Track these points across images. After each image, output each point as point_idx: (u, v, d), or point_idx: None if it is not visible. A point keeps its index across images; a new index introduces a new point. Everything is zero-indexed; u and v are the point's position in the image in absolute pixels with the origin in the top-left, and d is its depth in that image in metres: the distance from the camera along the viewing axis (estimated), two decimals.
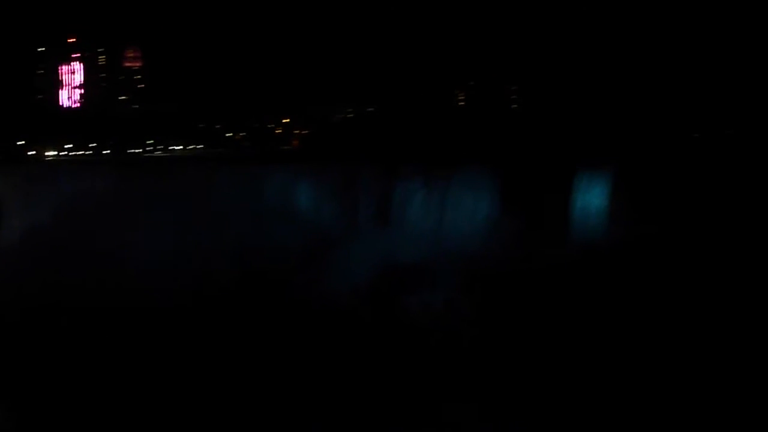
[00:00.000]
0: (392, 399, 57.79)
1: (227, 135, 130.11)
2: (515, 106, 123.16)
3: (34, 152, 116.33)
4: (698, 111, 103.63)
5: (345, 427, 55.21)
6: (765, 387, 54.55)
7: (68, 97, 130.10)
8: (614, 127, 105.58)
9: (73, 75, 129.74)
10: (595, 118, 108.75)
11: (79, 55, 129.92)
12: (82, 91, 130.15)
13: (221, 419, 56.30)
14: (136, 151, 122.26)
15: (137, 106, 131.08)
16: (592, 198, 79.24)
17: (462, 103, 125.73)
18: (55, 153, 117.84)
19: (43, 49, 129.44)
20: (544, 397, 57.11)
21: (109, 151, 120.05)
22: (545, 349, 64.42)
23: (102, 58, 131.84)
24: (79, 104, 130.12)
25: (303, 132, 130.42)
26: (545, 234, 79.48)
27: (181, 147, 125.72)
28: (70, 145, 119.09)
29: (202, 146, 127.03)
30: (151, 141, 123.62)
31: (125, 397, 59.56)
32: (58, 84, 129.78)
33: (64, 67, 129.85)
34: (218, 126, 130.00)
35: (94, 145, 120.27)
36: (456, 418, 54.15)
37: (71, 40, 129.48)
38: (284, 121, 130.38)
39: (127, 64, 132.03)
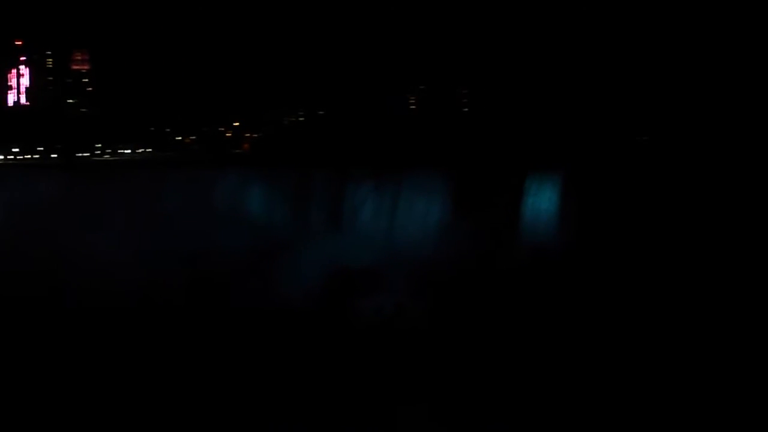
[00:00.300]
0: (344, 401, 57.71)
1: (177, 138, 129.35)
2: (466, 110, 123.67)
3: None
4: (646, 115, 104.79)
5: (299, 428, 55.13)
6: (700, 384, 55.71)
7: (15, 100, 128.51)
8: (564, 131, 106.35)
9: (21, 78, 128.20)
10: (546, 122, 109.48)
11: (26, 58, 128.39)
12: (30, 94, 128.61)
13: (168, 422, 55.90)
14: (85, 155, 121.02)
15: (85, 110, 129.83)
16: (542, 201, 79.75)
17: (413, 107, 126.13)
18: (2, 157, 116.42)
19: None
20: (496, 398, 57.31)
21: (57, 155, 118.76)
22: (496, 350, 64.66)
23: (50, 62, 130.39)
24: (26, 108, 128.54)
25: (253, 135, 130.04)
26: (496, 237, 79.88)
27: (130, 151, 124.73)
28: (18, 149, 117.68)
29: (151, 150, 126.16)
30: (100, 145, 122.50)
31: (63, 399, 59.08)
32: (5, 87, 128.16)
33: (11, 70, 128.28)
34: (168, 129, 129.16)
35: (42, 149, 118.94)
36: (408, 419, 54.20)
37: (18, 43, 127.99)
38: (234, 124, 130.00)
39: (76, 68, 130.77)
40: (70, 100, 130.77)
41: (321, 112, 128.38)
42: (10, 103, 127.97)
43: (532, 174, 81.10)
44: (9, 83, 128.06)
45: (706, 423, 51.65)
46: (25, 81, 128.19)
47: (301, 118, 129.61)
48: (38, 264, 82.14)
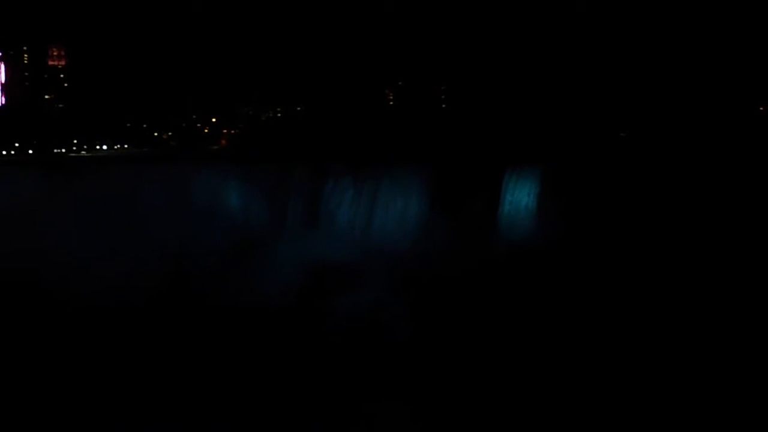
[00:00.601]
0: (324, 397, 57.61)
1: (154, 134, 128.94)
2: (444, 106, 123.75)
3: None
4: (625, 112, 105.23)
5: (277, 426, 55.04)
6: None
7: None
8: (543, 127, 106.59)
9: None
10: (525, 118, 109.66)
11: (1, 54, 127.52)
12: (6, 90, 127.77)
13: (142, 421, 55.63)
14: (62, 151, 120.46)
15: (62, 106, 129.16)
16: (521, 196, 79.87)
17: (391, 103, 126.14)
18: None
19: None
20: (473, 395, 57.32)
21: (33, 152, 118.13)
22: (476, 346, 64.70)
23: (26, 57, 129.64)
24: (1, 104, 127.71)
25: (231, 131, 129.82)
26: (474, 233, 79.90)
27: (107, 147, 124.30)
28: None
29: (128, 146, 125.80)
30: (76, 141, 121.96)
31: (42, 395, 58.83)
32: None
33: None
34: (145, 125, 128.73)
35: (18, 145, 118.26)
36: (388, 416, 54.11)
37: None
38: (212, 120, 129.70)
39: (52, 63, 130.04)
40: (47, 96, 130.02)
41: (299, 108, 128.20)
42: None
43: (512, 170, 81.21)
44: None
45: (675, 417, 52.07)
46: (1, 77, 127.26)
47: (278, 114, 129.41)
48: (14, 260, 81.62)
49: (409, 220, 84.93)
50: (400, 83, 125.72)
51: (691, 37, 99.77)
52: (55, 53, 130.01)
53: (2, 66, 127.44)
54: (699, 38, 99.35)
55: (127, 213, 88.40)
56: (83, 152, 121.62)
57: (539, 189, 79.27)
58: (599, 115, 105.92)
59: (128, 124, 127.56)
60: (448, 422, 54.17)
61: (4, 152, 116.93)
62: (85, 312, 73.37)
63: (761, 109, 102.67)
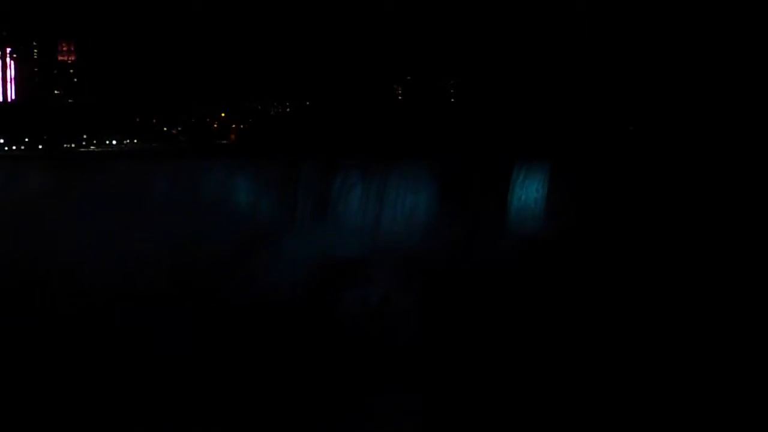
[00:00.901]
0: (331, 392, 57.62)
1: (163, 129, 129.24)
2: (453, 100, 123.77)
3: None
4: (632, 105, 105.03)
5: (284, 421, 55.01)
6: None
7: (1, 91, 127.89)
8: (551, 121, 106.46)
9: (6, 69, 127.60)
10: (533, 112, 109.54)
11: (11, 49, 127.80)
12: (15, 85, 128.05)
13: (146, 418, 55.63)
14: (71, 146, 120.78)
15: (71, 101, 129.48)
16: (529, 191, 79.65)
17: (400, 98, 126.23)
18: None
19: None
20: (484, 389, 57.27)
21: (43, 146, 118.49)
22: (484, 342, 64.58)
23: (35, 52, 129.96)
24: (11, 99, 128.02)
25: (240, 126, 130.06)
26: (484, 227, 79.77)
27: (116, 141, 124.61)
28: (2, 141, 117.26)
29: (137, 141, 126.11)
30: (86, 136, 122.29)
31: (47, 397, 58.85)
32: None
33: None
34: (154, 120, 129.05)
35: (28, 140, 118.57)
36: (392, 411, 54.09)
37: (3, 34, 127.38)
38: (221, 115, 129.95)
39: (61, 58, 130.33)
40: (56, 91, 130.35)
41: (308, 103, 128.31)
42: None
43: (520, 164, 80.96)
44: None
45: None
46: (9, 72, 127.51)
47: (287, 109, 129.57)
48: (22, 255, 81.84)
49: (419, 215, 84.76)
50: (408, 78, 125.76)
51: (699, 30, 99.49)
52: (64, 48, 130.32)
53: (12, 61, 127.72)
54: (708, 32, 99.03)
55: (137, 208, 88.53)
56: (92, 147, 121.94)
57: (548, 183, 78.97)
58: (608, 108, 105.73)
59: (137, 120, 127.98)
60: (454, 419, 54.16)
61: (14, 147, 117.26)
62: (93, 308, 73.54)
63: None
